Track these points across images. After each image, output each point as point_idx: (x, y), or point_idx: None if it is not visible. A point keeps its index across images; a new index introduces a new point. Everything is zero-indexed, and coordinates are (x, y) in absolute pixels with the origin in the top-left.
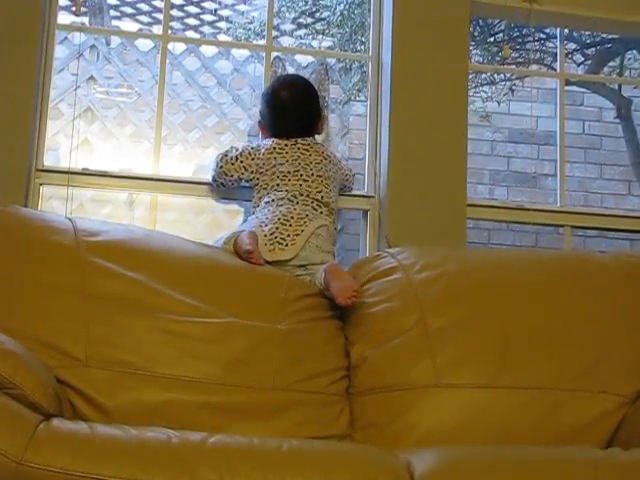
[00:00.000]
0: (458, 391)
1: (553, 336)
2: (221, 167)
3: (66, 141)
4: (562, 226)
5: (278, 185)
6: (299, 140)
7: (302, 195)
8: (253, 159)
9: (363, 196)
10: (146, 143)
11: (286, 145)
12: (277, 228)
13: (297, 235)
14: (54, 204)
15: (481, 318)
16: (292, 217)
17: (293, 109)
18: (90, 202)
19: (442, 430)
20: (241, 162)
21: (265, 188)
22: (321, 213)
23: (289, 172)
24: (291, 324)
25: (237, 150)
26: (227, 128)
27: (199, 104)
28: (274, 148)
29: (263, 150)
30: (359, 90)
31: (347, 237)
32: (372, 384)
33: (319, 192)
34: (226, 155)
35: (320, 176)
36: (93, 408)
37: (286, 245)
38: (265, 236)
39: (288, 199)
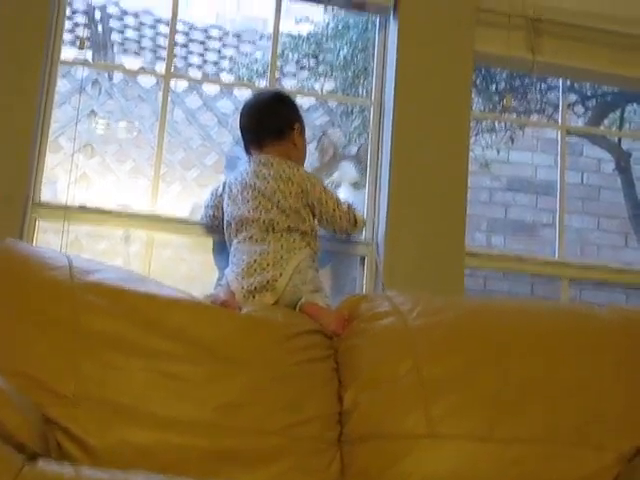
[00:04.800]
0: (451, 442)
1: (549, 389)
2: (205, 206)
3: (64, 175)
4: (560, 278)
5: (243, 222)
6: (262, 159)
7: (272, 229)
8: (220, 195)
9: (360, 242)
10: (144, 180)
11: (247, 172)
12: (254, 280)
13: (276, 280)
14: (49, 237)
15: (477, 369)
16: (268, 263)
17: (253, 111)
18: (86, 237)
19: None
20: (212, 199)
21: (230, 225)
22: (295, 242)
23: (250, 206)
24: (285, 366)
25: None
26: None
27: (199, 142)
28: (236, 178)
29: (228, 182)
30: (360, 134)
31: (344, 281)
32: (364, 432)
33: (286, 220)
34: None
35: (279, 203)
36: (80, 448)
37: (267, 291)
38: (243, 290)
39: (257, 240)
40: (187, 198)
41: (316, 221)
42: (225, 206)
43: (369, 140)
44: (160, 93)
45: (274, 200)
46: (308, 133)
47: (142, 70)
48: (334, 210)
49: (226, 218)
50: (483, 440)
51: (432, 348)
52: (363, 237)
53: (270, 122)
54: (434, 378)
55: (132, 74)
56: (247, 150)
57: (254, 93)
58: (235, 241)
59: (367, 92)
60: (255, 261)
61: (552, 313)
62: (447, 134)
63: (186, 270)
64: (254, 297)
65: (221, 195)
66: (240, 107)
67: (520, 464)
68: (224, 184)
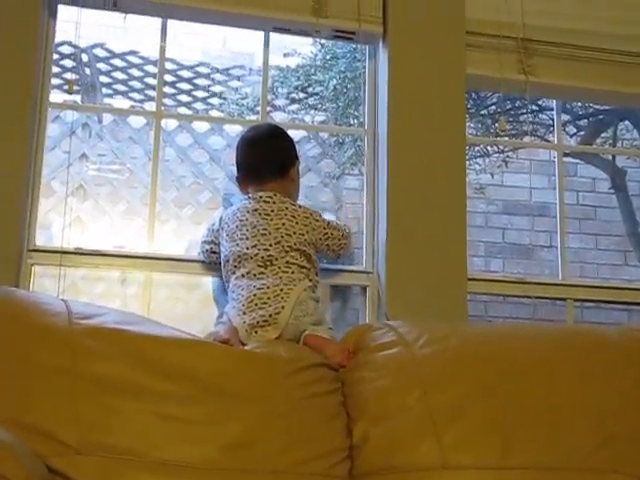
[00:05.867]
0: (464, 473)
1: (560, 413)
2: (202, 241)
3: (58, 219)
4: (565, 299)
5: (241, 258)
6: (262, 195)
7: (269, 263)
8: (217, 230)
9: (361, 272)
10: (139, 220)
11: (245, 209)
12: (255, 315)
13: (278, 313)
14: (46, 282)
15: (486, 395)
16: (268, 297)
17: (253, 146)
18: (82, 280)
19: None
20: (209, 235)
21: (228, 261)
22: (294, 274)
23: (249, 243)
24: (291, 402)
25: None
26: (220, 204)
27: (192, 180)
28: (234, 213)
29: (225, 217)
30: (353, 164)
31: (346, 312)
32: (376, 465)
33: (285, 256)
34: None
35: (281, 240)
36: None
37: (269, 325)
38: (245, 326)
39: (255, 275)
40: (182, 236)
41: (316, 255)
42: (222, 242)
43: (365, 169)
44: (151, 133)
45: (276, 237)
46: (301, 165)
47: (132, 110)
48: (339, 239)
49: (223, 254)
50: (495, 469)
51: (439, 376)
52: (363, 266)
53: (273, 158)
54: (443, 407)
55: (122, 114)
56: (242, 185)
57: (250, 127)
58: (233, 277)
59: (359, 122)
60: (255, 295)
61: (558, 335)
62: (443, 159)
63: (185, 309)
64: (256, 332)
65: (217, 230)
66: (233, 143)
67: None
68: (220, 219)
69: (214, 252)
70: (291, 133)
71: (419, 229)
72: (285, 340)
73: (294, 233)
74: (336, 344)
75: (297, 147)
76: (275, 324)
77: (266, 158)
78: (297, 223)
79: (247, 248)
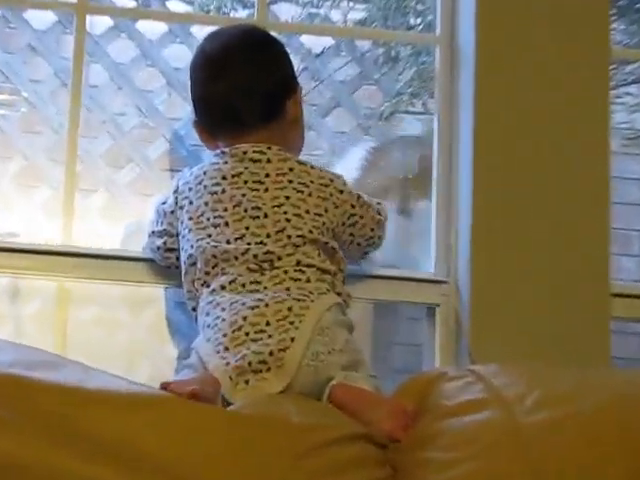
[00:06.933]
0: None
1: None
2: (150, 232)
3: None
4: None
5: (218, 259)
6: (247, 149)
7: (268, 266)
8: (173, 212)
9: (428, 280)
10: (45, 189)
11: (219, 172)
12: (246, 352)
13: (285, 349)
14: None
15: None
16: (267, 323)
17: (218, 69)
18: None
19: None
20: (160, 220)
21: (195, 264)
22: (310, 284)
23: (231, 232)
24: None
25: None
26: (182, 162)
27: (135, 120)
28: (198, 181)
29: (183, 188)
30: (413, 95)
31: (399, 348)
32: None
33: (294, 252)
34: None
35: (285, 225)
36: None
37: (269, 370)
38: (228, 371)
39: (244, 285)
40: (118, 217)
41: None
42: (184, 231)
43: (437, 105)
44: (67, 38)
45: (277, 221)
46: (325, 95)
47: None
48: (370, 228)
49: (186, 252)
50: None
51: (562, 463)
52: (432, 271)
53: (256, 87)
54: None
55: (18, 5)
56: (205, 136)
57: (211, 34)
58: (206, 291)
59: (426, 23)
60: (245, 320)
61: None
62: (571, 89)
63: (124, 341)
64: (248, 382)
65: (173, 212)
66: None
67: None
68: (176, 191)
69: (171, 249)
70: (306, 41)
71: (526, 210)
72: (297, 395)
73: (307, 212)
74: (386, 402)
75: (310, 63)
76: (279, 367)
77: (243, 89)
78: (310, 195)
79: (227, 241)
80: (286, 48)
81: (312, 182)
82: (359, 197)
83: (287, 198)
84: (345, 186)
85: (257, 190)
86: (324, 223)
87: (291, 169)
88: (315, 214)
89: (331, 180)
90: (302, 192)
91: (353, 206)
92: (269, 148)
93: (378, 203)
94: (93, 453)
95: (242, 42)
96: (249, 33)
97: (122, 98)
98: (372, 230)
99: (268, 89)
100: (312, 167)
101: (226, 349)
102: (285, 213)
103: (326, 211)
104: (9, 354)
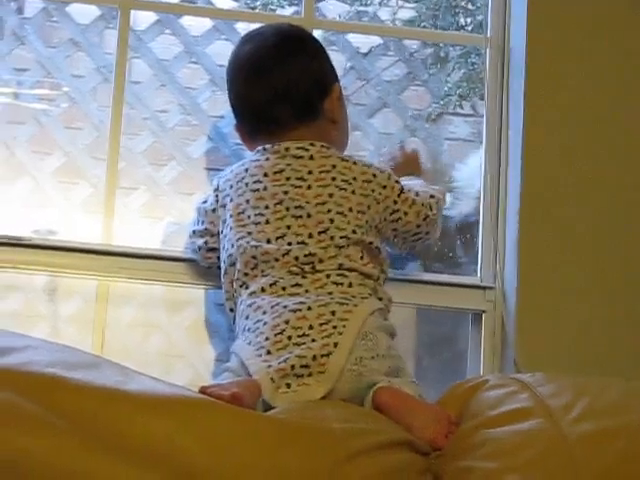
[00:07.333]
0: None
1: None
2: (191, 231)
3: None
4: None
5: (258, 260)
6: (290, 146)
7: (310, 269)
8: (214, 210)
9: (473, 286)
10: (85, 186)
11: (260, 169)
12: (289, 356)
13: (328, 355)
14: None
15: None
16: (310, 326)
17: (254, 72)
18: None
19: None
20: (202, 219)
21: (234, 265)
22: (353, 288)
23: (271, 231)
24: None
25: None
26: (227, 161)
27: (178, 117)
28: (239, 179)
29: (224, 185)
30: (462, 97)
31: (442, 355)
32: None
33: (338, 254)
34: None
35: (329, 224)
36: None
37: (311, 375)
38: (270, 374)
39: (285, 288)
40: (159, 216)
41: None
42: (225, 229)
43: (485, 104)
44: (110, 33)
45: (320, 221)
46: (374, 94)
47: None
48: (419, 224)
49: (227, 251)
50: None
51: (608, 476)
52: (478, 277)
53: (293, 90)
54: None
55: (59, 1)
56: (246, 138)
57: (246, 35)
58: (245, 292)
59: (476, 24)
60: (287, 324)
61: None
62: (626, 102)
63: (162, 342)
64: (289, 386)
65: (215, 210)
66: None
67: None
68: (217, 189)
69: (212, 249)
70: (355, 38)
71: (576, 215)
72: (339, 401)
73: (350, 210)
74: (430, 409)
75: (357, 63)
76: (322, 373)
77: (278, 94)
78: (354, 192)
79: (268, 240)
80: (328, 46)
81: (355, 179)
82: (402, 190)
83: (330, 196)
84: (389, 180)
85: (299, 187)
86: (367, 221)
87: (334, 166)
88: (358, 212)
89: (374, 175)
90: (345, 190)
91: (395, 202)
92: (312, 144)
93: (432, 196)
94: (130, 456)
95: (275, 45)
96: (282, 34)
97: (165, 95)
98: (418, 227)
99: (303, 92)
100: (355, 163)
101: (268, 352)
102: (328, 212)
103: (369, 208)
104: (47, 354)
